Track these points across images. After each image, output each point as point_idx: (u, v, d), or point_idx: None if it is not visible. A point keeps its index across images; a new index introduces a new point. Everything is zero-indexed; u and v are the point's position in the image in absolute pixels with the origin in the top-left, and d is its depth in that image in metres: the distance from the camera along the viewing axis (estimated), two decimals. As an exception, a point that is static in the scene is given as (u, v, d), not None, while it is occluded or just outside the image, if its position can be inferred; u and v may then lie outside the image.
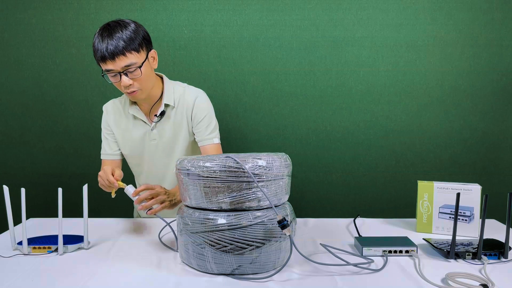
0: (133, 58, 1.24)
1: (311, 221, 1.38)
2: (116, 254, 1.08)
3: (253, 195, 0.91)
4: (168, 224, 1.17)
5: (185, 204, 1.00)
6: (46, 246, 1.09)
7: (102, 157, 1.49)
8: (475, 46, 1.86)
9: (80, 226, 1.14)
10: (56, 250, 1.08)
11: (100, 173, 1.24)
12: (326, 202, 1.99)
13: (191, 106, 1.41)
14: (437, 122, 1.92)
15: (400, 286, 0.88)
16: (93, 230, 1.24)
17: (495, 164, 1.94)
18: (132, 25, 1.26)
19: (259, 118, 1.94)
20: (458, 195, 1.02)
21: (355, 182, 1.97)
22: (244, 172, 0.89)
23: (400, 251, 1.05)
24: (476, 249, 1.03)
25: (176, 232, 1.05)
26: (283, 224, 0.89)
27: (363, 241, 1.09)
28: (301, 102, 1.92)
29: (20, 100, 1.93)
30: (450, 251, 1.02)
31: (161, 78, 1.44)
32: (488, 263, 0.99)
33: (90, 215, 1.14)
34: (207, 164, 0.91)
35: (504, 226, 1.33)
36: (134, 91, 1.29)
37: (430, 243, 1.09)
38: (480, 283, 0.87)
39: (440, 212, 1.24)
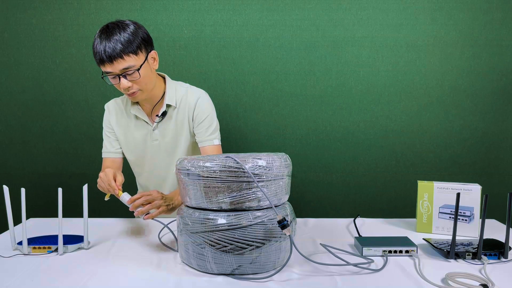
0: (131, 61, 1.22)
1: (311, 221, 1.37)
2: (116, 254, 1.08)
3: (253, 195, 0.91)
4: (166, 225, 1.16)
5: (185, 204, 1.00)
6: (46, 246, 1.08)
7: (103, 155, 1.48)
8: (475, 46, 1.86)
9: (80, 226, 1.14)
10: (56, 250, 1.08)
11: (101, 174, 1.23)
12: (326, 202, 1.99)
13: (192, 106, 1.40)
14: (437, 122, 1.92)
15: (400, 286, 0.88)
16: (93, 230, 1.24)
17: (495, 164, 1.94)
18: (132, 26, 1.24)
19: (259, 118, 1.94)
20: (458, 195, 1.02)
21: (355, 182, 1.97)
22: (244, 172, 0.89)
23: (400, 251, 1.05)
24: (476, 249, 1.03)
25: (175, 232, 1.05)
26: (283, 224, 0.89)
27: (363, 241, 1.09)
28: (301, 102, 1.92)
29: (20, 100, 1.93)
30: (450, 251, 1.02)
31: (163, 78, 1.43)
32: (488, 263, 0.99)
33: (90, 215, 1.14)
34: (207, 164, 0.91)
35: (504, 226, 1.33)
36: (134, 92, 1.28)
37: (430, 243, 1.09)
38: (480, 283, 0.87)
39: (440, 212, 1.24)
